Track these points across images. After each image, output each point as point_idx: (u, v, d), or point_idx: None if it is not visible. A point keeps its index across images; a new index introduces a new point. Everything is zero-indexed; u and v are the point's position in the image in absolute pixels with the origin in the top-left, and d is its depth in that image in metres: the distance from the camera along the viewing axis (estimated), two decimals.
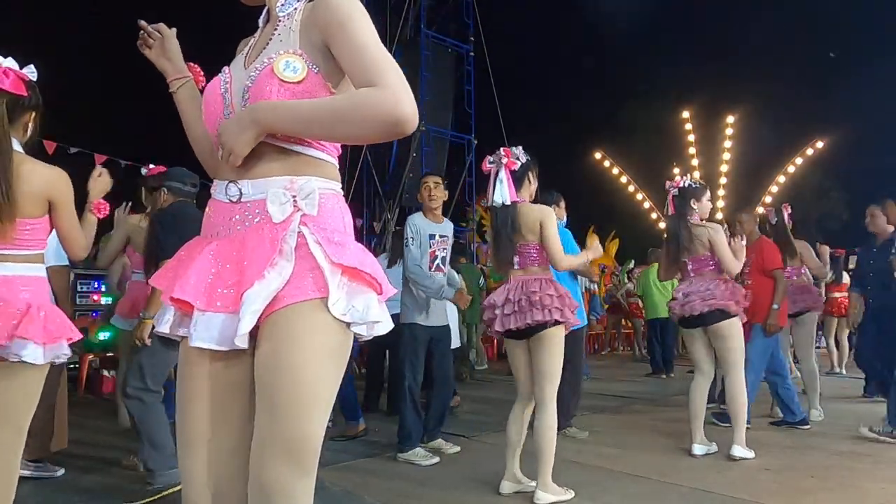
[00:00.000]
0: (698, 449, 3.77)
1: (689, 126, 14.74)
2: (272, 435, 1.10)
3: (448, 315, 4.05)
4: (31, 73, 2.01)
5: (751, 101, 14.50)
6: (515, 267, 3.09)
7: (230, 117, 1.20)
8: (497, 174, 3.09)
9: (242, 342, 1.11)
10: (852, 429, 4.28)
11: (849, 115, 14.97)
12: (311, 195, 1.17)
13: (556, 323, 2.93)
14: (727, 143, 14.25)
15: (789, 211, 5.17)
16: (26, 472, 3.22)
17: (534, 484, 2.96)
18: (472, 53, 12.52)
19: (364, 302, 1.18)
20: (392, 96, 1.10)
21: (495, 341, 9.71)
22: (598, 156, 15.53)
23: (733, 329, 3.70)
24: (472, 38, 12.54)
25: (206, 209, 1.27)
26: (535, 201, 3.22)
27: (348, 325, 1.17)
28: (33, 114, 2.07)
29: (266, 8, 1.34)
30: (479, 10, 12.49)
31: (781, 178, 13.96)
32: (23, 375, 1.95)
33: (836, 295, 7.54)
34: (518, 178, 3.11)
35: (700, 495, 3.04)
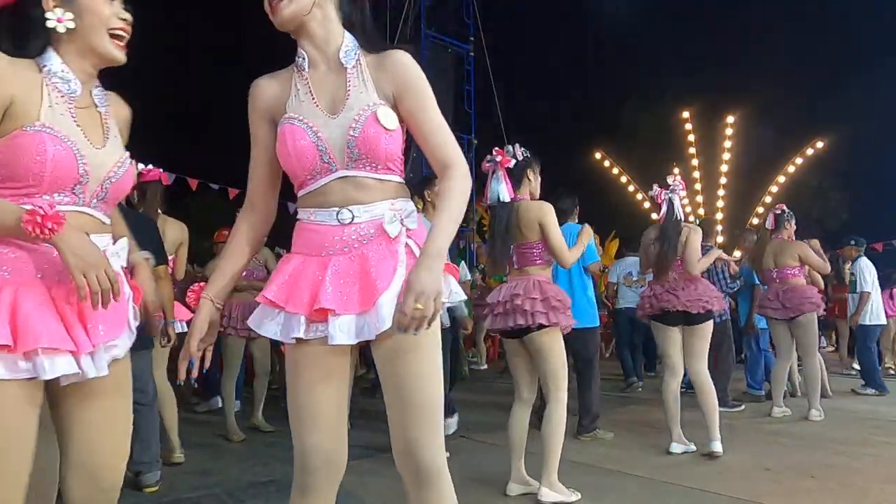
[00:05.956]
0: (676, 447, 3.80)
1: (689, 126, 14.71)
2: (412, 401, 1.40)
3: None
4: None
5: (751, 101, 14.46)
6: (514, 267, 3.08)
7: (336, 167, 1.41)
8: (494, 173, 3.07)
9: (373, 336, 1.37)
10: (852, 428, 4.28)
11: (848, 115, 14.97)
12: (412, 214, 1.46)
13: (541, 327, 2.91)
14: (727, 143, 14.22)
15: (778, 212, 5.19)
16: None
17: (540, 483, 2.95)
18: (471, 53, 12.53)
19: (455, 286, 1.49)
20: (468, 174, 1.46)
21: (496, 341, 9.70)
22: (598, 156, 15.51)
23: (708, 327, 3.81)
24: (472, 38, 12.54)
25: (302, 230, 1.46)
26: (541, 199, 3.18)
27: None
28: None
29: (304, 52, 1.45)
30: (479, 10, 12.50)
31: (781, 178, 13.94)
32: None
33: (841, 296, 7.52)
34: (516, 176, 3.08)
35: (700, 495, 3.04)
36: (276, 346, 5.61)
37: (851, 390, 6.38)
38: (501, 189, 3.02)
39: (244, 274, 5.20)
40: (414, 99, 1.45)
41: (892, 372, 7.63)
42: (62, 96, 1.37)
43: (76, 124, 1.37)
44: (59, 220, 1.24)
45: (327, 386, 1.44)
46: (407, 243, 1.43)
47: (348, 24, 1.48)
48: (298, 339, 1.42)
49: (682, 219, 3.90)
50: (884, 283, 7.22)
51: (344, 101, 1.42)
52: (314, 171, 1.42)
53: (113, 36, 1.42)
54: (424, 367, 1.41)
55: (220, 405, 5.41)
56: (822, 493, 3.05)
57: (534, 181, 3.15)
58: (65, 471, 1.43)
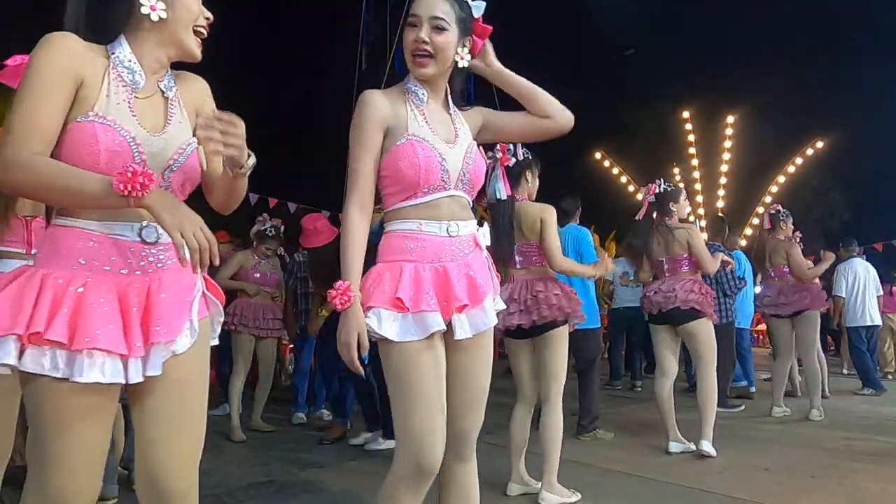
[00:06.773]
0: (675, 447, 3.83)
1: (689, 126, 14.70)
2: (479, 387, 1.75)
3: None
4: None
5: (751, 101, 14.42)
6: (518, 266, 3.07)
7: (450, 187, 1.70)
8: (493, 171, 3.04)
9: (480, 330, 1.69)
10: (853, 428, 4.27)
11: (849, 115, 14.92)
12: (487, 232, 1.80)
13: (564, 322, 2.95)
14: (727, 143, 14.21)
15: (772, 212, 5.19)
16: None
17: (540, 485, 2.95)
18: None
19: (499, 298, 1.84)
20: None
21: (495, 341, 9.67)
22: (598, 156, 15.51)
23: (705, 327, 3.78)
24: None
25: (406, 239, 1.67)
26: (539, 200, 3.18)
27: None
28: None
29: (425, 90, 1.73)
30: None
31: (781, 178, 13.93)
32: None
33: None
34: (514, 176, 3.06)
35: (700, 495, 3.04)
36: (278, 349, 5.61)
37: (852, 393, 6.39)
38: (499, 186, 2.98)
39: (257, 276, 5.17)
40: (489, 114, 1.89)
41: (892, 378, 7.65)
42: (125, 86, 1.34)
43: (132, 114, 1.33)
44: (150, 177, 1.19)
45: (441, 377, 1.66)
46: (486, 256, 1.78)
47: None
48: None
49: (659, 219, 3.92)
50: (883, 281, 7.23)
51: (454, 136, 1.74)
52: (432, 187, 1.67)
53: (195, 33, 1.42)
54: (490, 360, 1.77)
55: (227, 412, 5.42)
56: (822, 493, 3.05)
57: (531, 182, 3.13)
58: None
